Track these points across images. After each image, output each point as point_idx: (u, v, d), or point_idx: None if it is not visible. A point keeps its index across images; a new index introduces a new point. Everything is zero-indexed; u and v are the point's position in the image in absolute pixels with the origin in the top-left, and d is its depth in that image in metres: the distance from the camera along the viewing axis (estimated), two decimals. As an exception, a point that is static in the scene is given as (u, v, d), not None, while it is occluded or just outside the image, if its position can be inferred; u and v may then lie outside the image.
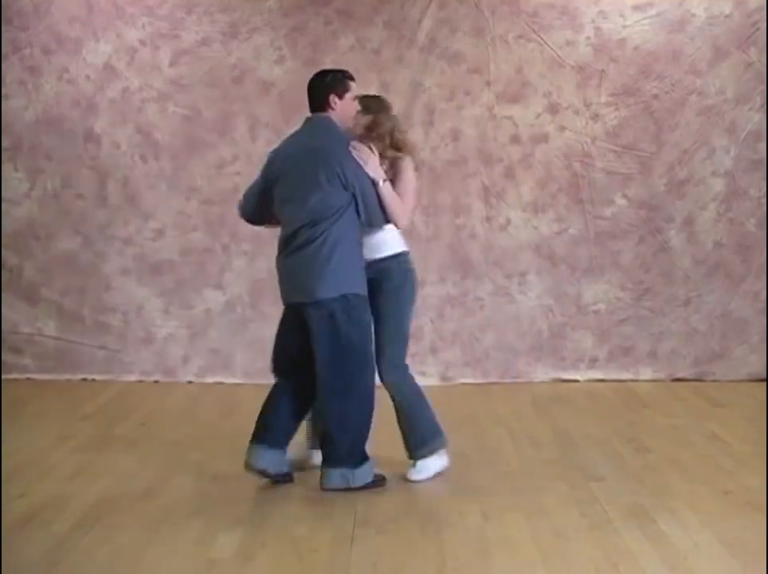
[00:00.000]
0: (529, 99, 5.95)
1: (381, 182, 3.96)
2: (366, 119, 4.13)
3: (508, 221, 6.04)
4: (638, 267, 6.07)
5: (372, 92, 4.49)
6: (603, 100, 5.94)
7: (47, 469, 4.35)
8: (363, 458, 4.08)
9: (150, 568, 3.31)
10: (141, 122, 6.01)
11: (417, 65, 5.93)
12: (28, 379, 6.14)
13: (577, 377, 6.10)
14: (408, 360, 6.04)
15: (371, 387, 4.08)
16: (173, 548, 3.46)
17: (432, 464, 4.21)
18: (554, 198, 6.03)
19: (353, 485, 4.03)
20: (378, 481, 4.12)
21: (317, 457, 4.25)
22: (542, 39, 5.89)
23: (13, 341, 6.18)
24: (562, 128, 5.96)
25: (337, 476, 4.03)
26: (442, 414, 5.36)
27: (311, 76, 5.89)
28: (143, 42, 5.95)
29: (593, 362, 6.13)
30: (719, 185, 5.99)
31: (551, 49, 5.90)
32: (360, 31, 5.92)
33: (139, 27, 5.94)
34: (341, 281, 3.92)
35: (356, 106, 4.11)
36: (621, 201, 6.02)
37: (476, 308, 6.09)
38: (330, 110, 4.01)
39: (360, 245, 4.04)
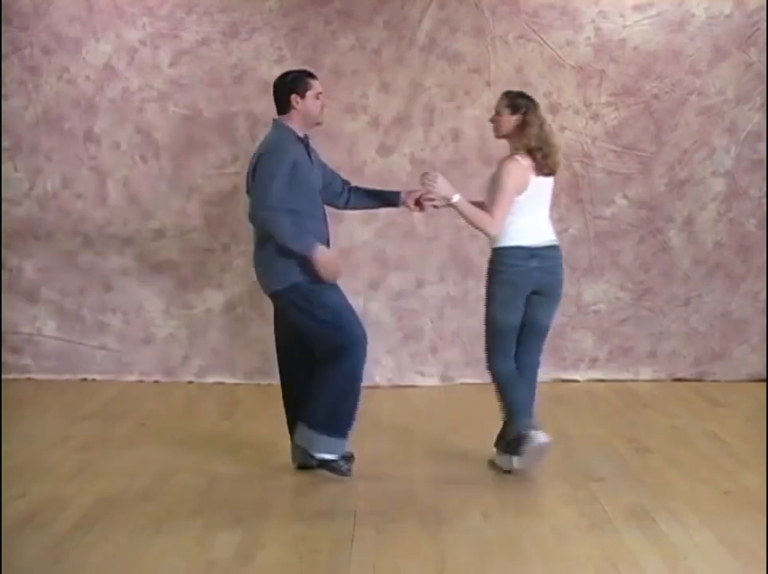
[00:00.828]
0: (529, 99, 5.95)
1: (454, 200, 4.12)
2: (515, 119, 4.18)
3: (508, 221, 6.03)
4: (638, 267, 6.07)
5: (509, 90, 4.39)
6: (603, 100, 5.94)
7: (47, 469, 4.35)
8: (337, 435, 4.10)
9: (150, 568, 3.31)
10: (141, 122, 6.00)
11: (417, 65, 5.93)
12: (28, 379, 6.14)
13: (577, 377, 6.10)
14: (408, 360, 6.11)
15: (352, 368, 4.12)
16: (173, 548, 3.47)
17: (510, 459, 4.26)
18: (555, 198, 5.98)
19: (312, 452, 4.09)
20: (338, 468, 4.13)
21: None
22: (542, 39, 5.89)
23: (13, 341, 6.18)
24: (562, 128, 5.95)
25: (304, 433, 4.11)
26: (442, 414, 5.39)
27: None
28: (143, 42, 5.95)
29: (593, 362, 6.13)
30: (719, 185, 6.00)
31: (551, 49, 5.90)
32: (360, 31, 5.92)
33: (139, 27, 5.94)
34: (291, 271, 4.06)
35: (319, 103, 4.16)
36: (621, 201, 6.02)
37: (476, 308, 6.06)
38: (292, 110, 4.12)
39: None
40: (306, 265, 4.04)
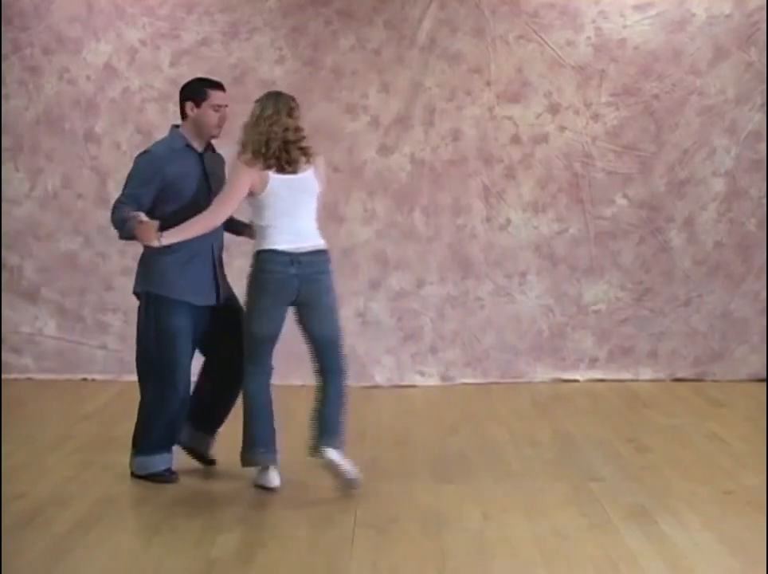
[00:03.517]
0: (529, 99, 5.95)
1: (163, 242, 3.88)
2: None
3: (508, 221, 6.04)
4: (638, 267, 6.07)
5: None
6: (603, 100, 5.94)
7: (47, 469, 4.35)
8: (148, 450, 4.13)
9: (151, 568, 3.31)
10: (141, 122, 6.00)
11: (418, 65, 5.93)
12: (28, 379, 6.13)
13: (577, 377, 6.10)
14: (408, 360, 6.11)
15: (167, 388, 4.07)
16: (173, 548, 3.46)
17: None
18: (554, 198, 6.03)
19: (131, 470, 4.17)
20: (157, 477, 4.13)
21: None
22: (542, 39, 5.89)
23: (14, 341, 6.18)
24: (563, 128, 5.96)
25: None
26: (442, 414, 5.39)
27: (311, 76, 5.97)
28: (143, 42, 5.95)
29: (593, 362, 6.12)
30: (719, 185, 5.99)
31: (551, 49, 5.90)
32: (360, 31, 5.92)
33: (140, 27, 5.94)
34: (145, 279, 4.08)
35: (217, 115, 4.05)
36: (621, 201, 6.02)
37: (476, 308, 6.09)
38: (187, 117, 4.09)
39: (190, 249, 3.98)
40: (156, 274, 4.03)
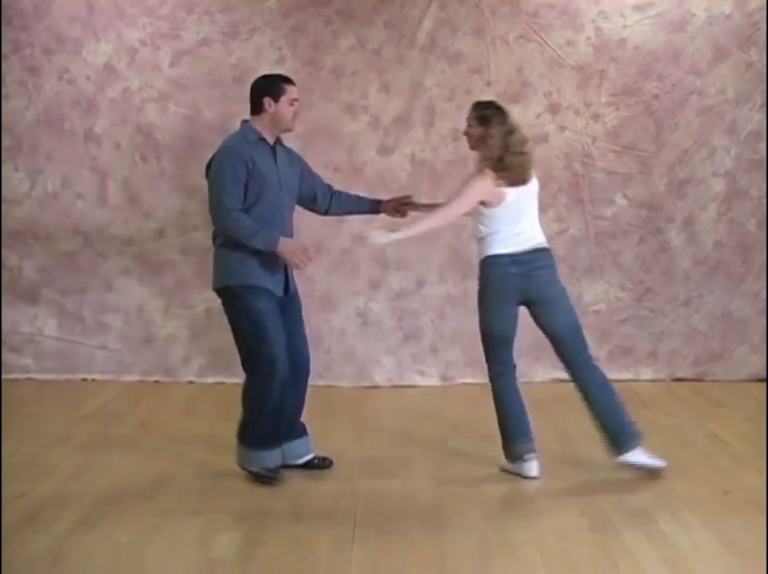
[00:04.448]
0: (529, 99, 5.95)
1: (395, 237, 4.13)
2: (477, 132, 4.17)
3: (508, 221, 6.03)
4: (638, 267, 6.07)
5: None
6: (603, 100, 5.94)
7: (47, 469, 4.35)
8: (251, 447, 4.12)
9: (151, 568, 3.31)
10: (141, 122, 6.01)
11: (418, 65, 5.93)
12: (28, 379, 6.14)
13: (578, 377, 6.09)
14: (408, 360, 6.11)
15: (262, 381, 4.06)
16: (173, 548, 3.47)
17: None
18: (554, 198, 6.02)
19: (239, 464, 4.17)
20: (261, 477, 4.13)
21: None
22: (542, 39, 5.89)
23: (14, 341, 6.18)
24: (563, 128, 5.96)
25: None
26: (442, 414, 5.39)
27: (311, 76, 5.97)
28: (143, 42, 5.95)
29: (593, 362, 6.12)
30: (719, 185, 6.00)
31: (551, 49, 5.90)
32: (360, 31, 5.92)
33: (140, 27, 5.94)
34: (225, 274, 4.14)
35: (293, 109, 4.14)
36: (621, 201, 6.02)
37: (476, 308, 6.07)
38: (264, 112, 4.15)
39: None
40: (243, 265, 4.06)
